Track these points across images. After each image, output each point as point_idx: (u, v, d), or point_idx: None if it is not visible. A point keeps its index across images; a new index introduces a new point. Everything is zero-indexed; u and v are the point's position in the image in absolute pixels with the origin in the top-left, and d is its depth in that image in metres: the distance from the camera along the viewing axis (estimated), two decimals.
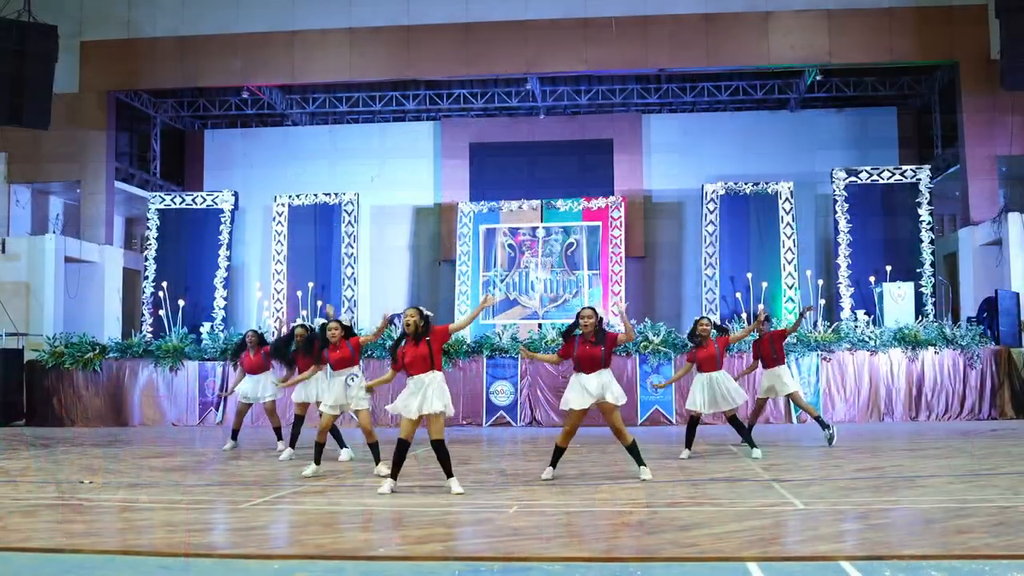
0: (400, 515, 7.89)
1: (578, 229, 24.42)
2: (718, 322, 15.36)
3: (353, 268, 24.05)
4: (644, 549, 6.34)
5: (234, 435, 14.25)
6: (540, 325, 22.60)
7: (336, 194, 24.58)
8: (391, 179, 26.87)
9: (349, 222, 24.27)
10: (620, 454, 11.96)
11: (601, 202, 24.59)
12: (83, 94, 24.77)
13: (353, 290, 23.94)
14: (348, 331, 11.26)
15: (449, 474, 9.17)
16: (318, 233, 24.37)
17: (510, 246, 24.53)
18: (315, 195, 24.66)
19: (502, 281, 24.24)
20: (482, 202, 25.05)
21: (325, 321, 11.50)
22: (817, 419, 13.48)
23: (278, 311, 23.83)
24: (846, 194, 22.92)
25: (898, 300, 21.26)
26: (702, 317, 12.64)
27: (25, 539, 6.90)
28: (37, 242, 23.24)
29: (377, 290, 26.14)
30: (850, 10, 22.68)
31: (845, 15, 22.69)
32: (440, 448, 9.06)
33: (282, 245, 24.44)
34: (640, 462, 10.12)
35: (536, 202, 24.75)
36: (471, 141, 26.67)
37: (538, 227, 24.57)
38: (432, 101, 26.99)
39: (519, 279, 24.36)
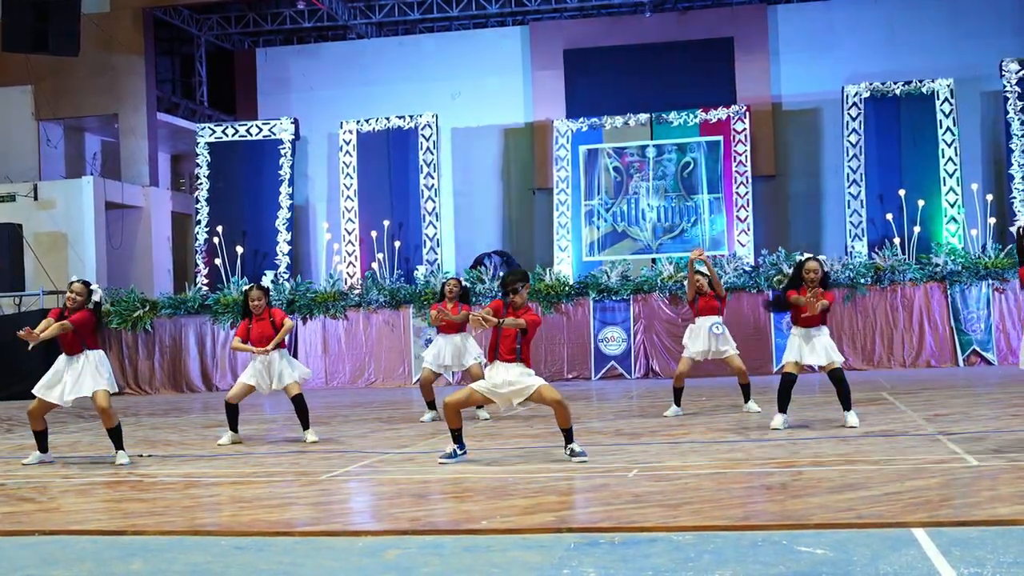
0: (503, 484, 7.99)
1: (695, 146, 24.16)
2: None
3: (434, 202, 24.16)
4: (789, 515, 6.34)
5: (431, 405, 13.37)
6: (654, 260, 22.51)
7: (411, 117, 24.66)
8: (474, 96, 26.78)
9: (428, 149, 24.36)
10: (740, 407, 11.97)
11: (721, 113, 24.25)
12: (115, 12, 25.16)
13: (436, 227, 24.07)
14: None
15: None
16: (392, 163, 24.49)
17: (615, 169, 24.39)
18: (387, 119, 24.76)
19: (607, 210, 24.15)
20: (581, 119, 24.88)
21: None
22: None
23: (351, 254, 24.10)
24: (1019, 90, 22.29)
25: None
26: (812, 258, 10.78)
27: (83, 520, 7.15)
28: (73, 186, 23.80)
29: (463, 227, 26.23)
30: None
31: None
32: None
33: (351, 179, 24.64)
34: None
35: (644, 116, 24.50)
36: (565, 47, 26.43)
37: (648, 145, 24.36)
38: (518, 2, 26.83)
39: (627, 207, 24.23)
